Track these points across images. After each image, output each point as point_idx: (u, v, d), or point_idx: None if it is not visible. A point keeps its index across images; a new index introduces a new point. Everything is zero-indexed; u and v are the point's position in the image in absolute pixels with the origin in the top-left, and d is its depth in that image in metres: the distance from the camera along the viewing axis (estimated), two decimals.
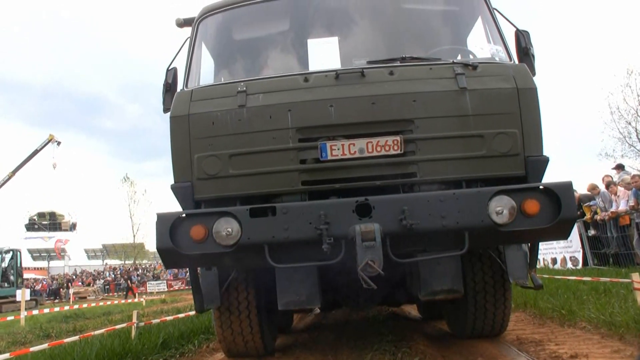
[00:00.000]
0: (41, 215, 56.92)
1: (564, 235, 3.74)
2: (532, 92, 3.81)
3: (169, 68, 4.58)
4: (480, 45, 4.44)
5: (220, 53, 4.81)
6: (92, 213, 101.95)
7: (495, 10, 4.37)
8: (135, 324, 7.80)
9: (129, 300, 26.20)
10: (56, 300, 37.08)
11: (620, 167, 14.22)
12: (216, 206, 3.70)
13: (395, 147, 3.69)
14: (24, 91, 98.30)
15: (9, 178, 44.62)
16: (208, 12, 4.54)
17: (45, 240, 56.17)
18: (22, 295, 16.73)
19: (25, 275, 38.11)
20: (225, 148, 3.79)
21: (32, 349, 6.36)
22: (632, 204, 11.25)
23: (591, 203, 13.12)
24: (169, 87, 4.51)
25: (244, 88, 3.89)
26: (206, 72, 4.58)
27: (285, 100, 3.80)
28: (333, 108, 3.74)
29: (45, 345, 6.57)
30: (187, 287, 35.67)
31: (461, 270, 4.07)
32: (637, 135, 25.66)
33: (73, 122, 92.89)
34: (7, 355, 6.13)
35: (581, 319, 5.65)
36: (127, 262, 56.13)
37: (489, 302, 4.66)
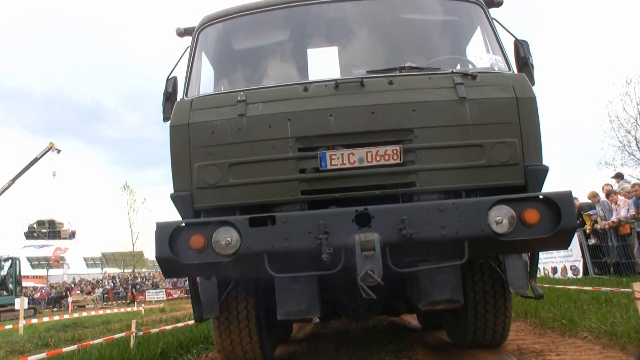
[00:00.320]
0: (40, 223, 56.83)
1: (564, 244, 3.73)
2: (532, 101, 3.82)
3: (169, 77, 4.59)
4: (479, 55, 4.46)
5: (220, 62, 4.83)
6: (91, 221, 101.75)
7: (494, 20, 4.39)
8: (134, 333, 7.77)
9: (134, 308, 26.02)
10: (55, 309, 36.92)
11: (619, 176, 14.22)
12: (216, 215, 3.69)
13: (395, 157, 3.69)
14: (25, 99, 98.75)
15: (9, 186, 44.58)
16: (208, 22, 4.56)
17: (45, 248, 56.02)
18: (21, 303, 16.67)
19: (24, 284, 37.98)
20: (225, 157, 3.79)
21: (30, 358, 6.33)
22: (633, 213, 11.24)
23: (591, 212, 13.10)
24: (169, 96, 4.52)
25: (244, 97, 3.90)
26: (206, 82, 4.60)
27: (284, 110, 3.81)
28: (333, 117, 3.74)
29: (43, 355, 6.55)
30: (186, 296, 35.55)
31: (461, 280, 4.05)
32: (636, 144, 25.65)
33: (73, 130, 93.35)
34: None
35: (582, 329, 5.63)
36: (126, 270, 55.94)
37: (489, 312, 4.64)
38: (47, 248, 56.60)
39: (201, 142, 3.83)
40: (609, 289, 7.83)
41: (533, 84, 4.11)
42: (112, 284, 46.48)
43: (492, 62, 4.22)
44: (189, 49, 4.54)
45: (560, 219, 3.36)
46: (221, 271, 3.83)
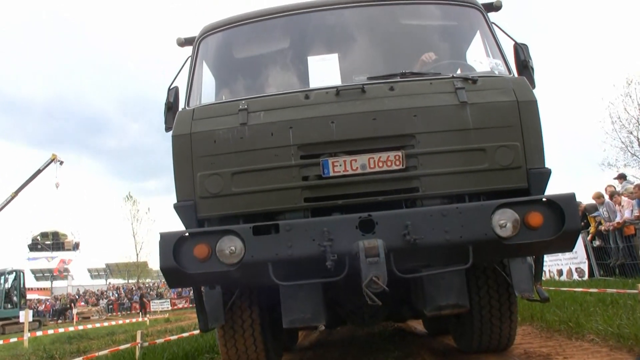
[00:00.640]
0: (44, 235, 56.78)
1: (569, 247, 3.72)
2: (533, 104, 3.82)
3: (171, 87, 4.61)
4: (479, 59, 4.47)
5: (221, 71, 4.85)
6: (95, 232, 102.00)
7: (493, 24, 4.40)
8: (139, 344, 7.75)
9: (145, 319, 25.95)
10: (60, 321, 36.89)
11: (622, 177, 14.21)
12: (219, 224, 3.70)
13: (397, 163, 3.69)
14: (26, 112, 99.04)
15: (12, 198, 44.63)
16: (209, 32, 4.58)
17: (49, 260, 55.98)
18: (26, 316, 16.68)
19: (29, 296, 38.00)
20: (228, 166, 3.80)
21: None
22: (637, 214, 11.21)
23: (595, 214, 13.07)
24: (171, 106, 4.53)
25: (246, 106, 3.91)
26: (207, 91, 4.61)
27: (286, 118, 3.82)
28: (334, 124, 3.75)
29: None
30: (191, 306, 35.55)
31: (466, 284, 4.04)
32: (639, 145, 25.68)
33: (76, 142, 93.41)
34: None
35: (589, 332, 5.59)
36: (130, 281, 55.91)
37: (494, 317, 4.62)
38: (51, 260, 56.59)
39: (203, 151, 3.84)
40: (614, 290, 7.80)
41: (533, 87, 4.11)
42: (116, 295, 46.47)
43: (492, 66, 4.23)
44: (189, 58, 4.56)
45: (564, 221, 3.35)
46: (226, 280, 3.83)
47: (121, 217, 54.45)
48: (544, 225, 3.39)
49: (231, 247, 3.42)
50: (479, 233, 3.36)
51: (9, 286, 29.68)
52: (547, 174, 3.74)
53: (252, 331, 4.63)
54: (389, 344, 6.43)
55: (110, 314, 39.38)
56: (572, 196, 3.46)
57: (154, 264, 54.88)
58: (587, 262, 13.17)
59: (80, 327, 18.33)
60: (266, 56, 4.66)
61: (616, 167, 25.46)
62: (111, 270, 61.97)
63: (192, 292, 4.65)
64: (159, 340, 8.89)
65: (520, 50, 4.34)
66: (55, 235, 56.69)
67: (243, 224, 3.61)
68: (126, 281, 56.79)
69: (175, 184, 3.89)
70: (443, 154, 3.71)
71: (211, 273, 3.50)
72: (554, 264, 14.67)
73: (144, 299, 37.93)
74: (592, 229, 13.17)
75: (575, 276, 13.58)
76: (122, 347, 8.15)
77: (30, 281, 48.47)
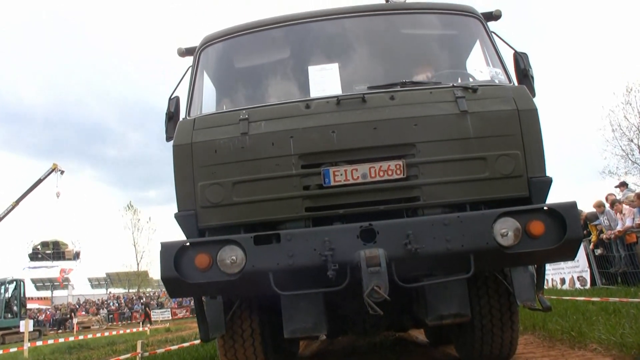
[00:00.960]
0: (45, 244, 56.71)
1: (571, 255, 3.71)
2: (533, 113, 3.82)
3: (171, 97, 4.62)
4: (479, 68, 4.48)
5: (222, 81, 4.86)
6: (95, 242, 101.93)
7: (493, 33, 4.42)
8: (139, 354, 7.72)
9: (146, 328, 25.85)
10: (60, 331, 36.74)
11: (623, 185, 14.21)
12: (220, 234, 3.69)
13: (398, 172, 3.69)
14: (27, 122, 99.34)
15: (13, 207, 44.69)
16: (209, 42, 4.60)
17: (49, 268, 55.88)
18: (26, 326, 16.60)
19: (29, 305, 37.92)
20: (229, 176, 3.80)
21: None
22: (639, 222, 11.19)
23: (596, 222, 13.05)
24: (172, 116, 4.54)
25: (246, 116, 3.92)
26: (208, 101, 4.63)
27: (287, 127, 3.82)
28: (335, 134, 3.75)
29: None
30: (191, 315, 35.39)
31: (467, 293, 4.03)
32: (639, 152, 25.67)
33: (76, 151, 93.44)
34: None
35: (592, 341, 5.56)
36: (131, 290, 55.78)
37: (495, 326, 4.59)
38: (52, 269, 56.53)
39: (204, 161, 3.84)
40: (617, 299, 7.76)
41: (534, 95, 4.12)
42: (117, 305, 46.34)
43: (492, 75, 4.24)
44: (190, 68, 4.58)
45: (566, 229, 3.34)
46: (227, 290, 3.81)
47: (122, 226, 54.46)
48: (546, 234, 3.38)
49: (232, 256, 3.41)
50: (481, 242, 3.36)
51: (9, 296, 29.63)
52: (548, 182, 3.74)
53: (252, 341, 4.61)
54: (391, 353, 6.39)
55: (110, 324, 39.22)
56: (573, 205, 3.45)
57: (155, 273, 54.86)
58: (589, 270, 13.13)
59: (81, 337, 18.23)
60: (267, 66, 4.67)
61: (617, 175, 25.50)
62: (112, 279, 61.92)
63: (192, 301, 4.62)
64: (160, 350, 8.85)
65: (520, 59, 4.36)
66: (56, 244, 56.64)
67: (244, 234, 3.60)
68: (127, 290, 56.65)
69: (176, 194, 3.89)
70: (444, 163, 3.71)
71: (212, 283, 3.49)
72: (557, 272, 14.63)
73: (147, 308, 37.77)
74: (593, 238, 13.14)
75: (578, 285, 13.53)
76: (123, 357, 8.11)
77: (30, 291, 48.48)
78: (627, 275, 11.62)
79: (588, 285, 12.96)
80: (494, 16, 4.61)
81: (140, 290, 54.09)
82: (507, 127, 3.75)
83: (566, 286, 14.07)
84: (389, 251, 3.29)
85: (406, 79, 4.08)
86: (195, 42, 4.70)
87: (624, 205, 11.90)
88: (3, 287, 29.44)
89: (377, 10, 4.52)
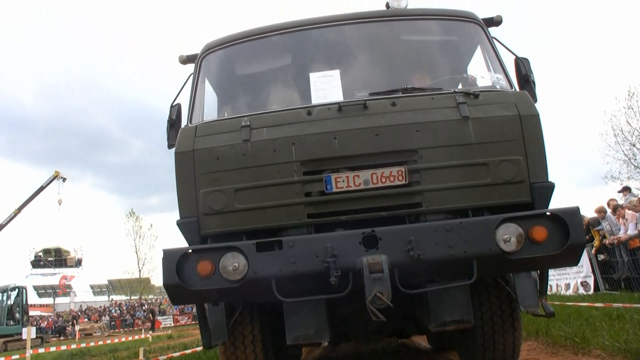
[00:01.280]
0: (47, 251, 56.72)
1: (574, 261, 3.70)
2: (535, 118, 3.82)
3: (173, 104, 4.63)
4: (480, 73, 4.49)
5: (224, 88, 4.87)
6: (97, 249, 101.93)
7: (494, 39, 4.43)
8: None
9: (148, 335, 25.78)
10: (62, 338, 36.68)
11: (626, 190, 14.17)
12: (222, 241, 3.68)
13: (400, 178, 3.69)
14: (28, 129, 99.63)
15: (15, 215, 44.70)
16: (210, 49, 4.62)
17: (51, 276, 55.85)
18: (28, 333, 16.52)
19: (31, 313, 37.89)
20: (231, 183, 3.80)
21: None
22: None
23: (598, 227, 13.02)
24: (173, 123, 4.55)
25: (248, 123, 3.92)
26: (210, 108, 4.64)
27: (289, 134, 3.82)
28: (337, 140, 3.76)
29: None
30: (193, 322, 35.33)
31: (470, 299, 4.01)
32: None
33: (78, 159, 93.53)
34: None
35: (595, 347, 5.53)
36: (133, 297, 55.71)
37: (497, 333, 4.56)
38: (54, 276, 56.49)
39: (206, 168, 3.85)
40: (620, 305, 7.73)
41: (535, 101, 4.12)
42: (119, 311, 46.28)
43: (493, 81, 4.24)
44: (192, 75, 4.59)
45: (569, 235, 3.34)
46: (229, 297, 3.81)
47: (124, 233, 54.37)
48: (549, 240, 3.37)
49: (234, 263, 3.41)
50: (483, 248, 3.35)
51: (12, 303, 29.62)
52: (550, 187, 3.73)
53: (253, 347, 4.60)
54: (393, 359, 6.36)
55: (112, 331, 39.15)
56: (576, 210, 3.44)
57: (157, 280, 54.81)
58: (592, 276, 13.08)
59: (83, 345, 18.20)
60: (268, 73, 4.68)
61: (619, 179, 25.37)
62: (114, 286, 61.84)
63: (194, 308, 4.62)
64: (162, 357, 8.82)
65: (522, 65, 4.36)
66: (58, 251, 56.66)
67: (246, 241, 3.60)
68: (129, 297, 56.58)
69: (178, 201, 3.90)
70: (446, 169, 3.71)
71: (214, 290, 3.49)
72: (562, 277, 14.58)
73: (151, 315, 37.70)
74: (596, 243, 13.10)
75: (581, 290, 13.48)
76: None
77: (32, 297, 48.41)
78: (631, 281, 11.58)
79: (592, 291, 12.90)
80: (494, 22, 4.61)
81: (143, 297, 54.01)
82: (509, 132, 3.75)
83: (570, 291, 14.02)
84: (392, 257, 3.28)
85: (407, 85, 4.08)
86: (197, 49, 4.72)
87: (626, 210, 11.87)
88: (5, 294, 29.45)
89: (378, 17, 4.53)
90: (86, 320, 43.08)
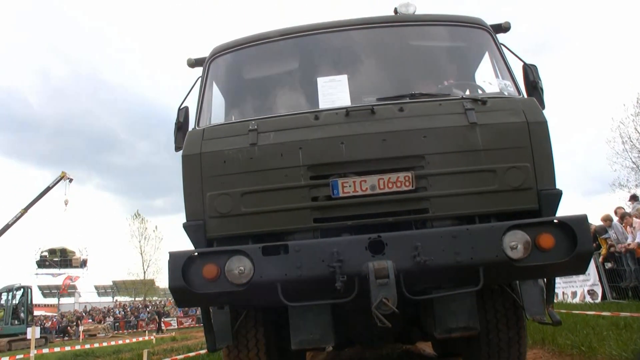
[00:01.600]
0: (52, 251, 56.89)
1: (581, 269, 3.67)
2: (543, 125, 3.80)
3: (181, 107, 4.65)
4: (488, 80, 4.47)
5: (231, 92, 4.88)
6: (102, 250, 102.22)
7: (502, 45, 4.42)
8: None
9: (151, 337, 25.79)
10: (65, 338, 36.76)
11: (635, 198, 14.08)
12: (228, 244, 3.68)
13: (407, 183, 3.68)
14: (35, 130, 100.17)
15: (21, 215, 44.90)
16: (219, 52, 4.63)
17: (55, 276, 56.01)
18: (32, 333, 16.58)
19: (36, 312, 37.96)
20: (237, 186, 3.80)
21: None
22: None
23: (605, 235, 12.94)
24: (181, 126, 4.56)
25: (255, 126, 3.93)
26: (217, 111, 4.65)
27: (296, 138, 3.82)
28: (344, 145, 3.75)
29: None
30: (197, 325, 35.35)
31: (476, 306, 3.99)
32: None
33: (84, 160, 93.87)
34: None
35: (602, 356, 5.49)
36: (137, 298, 55.83)
37: (502, 340, 4.53)
38: (59, 277, 56.67)
39: (213, 171, 3.85)
40: (628, 314, 7.66)
41: (543, 107, 4.10)
42: (123, 313, 46.35)
43: (501, 87, 4.22)
44: (200, 79, 4.61)
45: (576, 243, 3.31)
46: (234, 300, 3.80)
47: (129, 234, 54.57)
48: (556, 247, 3.35)
49: (240, 267, 3.41)
50: (490, 255, 3.33)
51: (17, 302, 29.72)
52: (558, 195, 3.71)
53: (257, 351, 4.60)
54: None
55: (116, 332, 39.20)
56: (584, 217, 3.42)
57: (161, 282, 54.94)
58: (599, 284, 12.99)
59: (87, 346, 18.22)
60: (276, 77, 4.69)
61: (627, 187, 25.29)
62: (118, 287, 61.99)
63: (198, 310, 4.61)
64: None
65: (530, 71, 4.35)
66: (63, 252, 56.78)
67: (252, 244, 3.60)
68: (133, 299, 56.69)
69: (184, 204, 3.90)
70: (453, 175, 3.70)
71: (220, 293, 3.49)
72: (569, 285, 14.49)
73: (157, 317, 37.75)
74: (603, 251, 13.02)
75: (588, 298, 13.38)
76: None
77: (37, 298, 48.61)
78: (638, 290, 11.48)
79: (599, 299, 12.81)
80: (503, 28, 4.60)
81: (147, 299, 54.09)
82: (517, 139, 3.73)
83: (577, 300, 13.92)
84: (398, 263, 3.27)
85: (415, 90, 4.08)
86: (205, 53, 4.74)
87: (634, 218, 11.79)
88: (10, 293, 29.56)
89: (386, 22, 4.53)
90: (90, 321, 43.16)
